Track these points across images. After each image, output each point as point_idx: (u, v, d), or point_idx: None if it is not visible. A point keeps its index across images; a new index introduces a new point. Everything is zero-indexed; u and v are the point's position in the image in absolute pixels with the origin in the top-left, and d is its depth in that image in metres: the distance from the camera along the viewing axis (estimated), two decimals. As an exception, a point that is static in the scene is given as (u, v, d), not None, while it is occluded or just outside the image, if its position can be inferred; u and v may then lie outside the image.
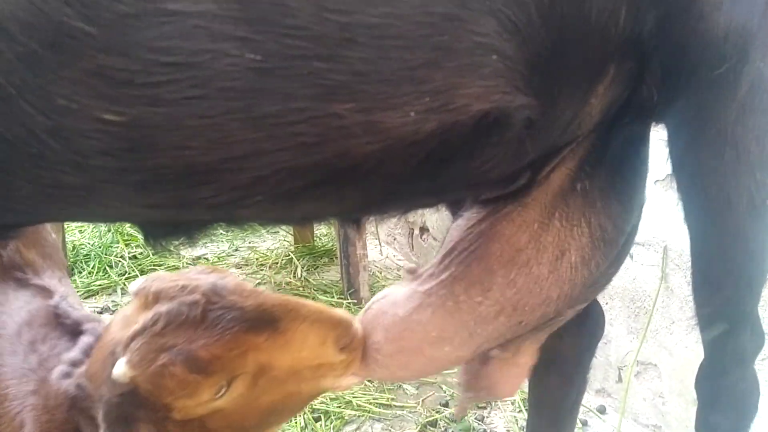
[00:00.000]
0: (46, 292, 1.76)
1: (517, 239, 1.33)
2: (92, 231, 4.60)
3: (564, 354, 1.80)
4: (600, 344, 2.94)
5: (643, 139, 1.38)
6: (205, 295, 1.31)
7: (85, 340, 1.57)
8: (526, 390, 1.95)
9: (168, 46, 0.85)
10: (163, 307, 1.30)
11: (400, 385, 3.18)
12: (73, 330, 1.64)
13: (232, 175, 0.97)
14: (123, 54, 0.84)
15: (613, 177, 1.33)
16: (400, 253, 4.76)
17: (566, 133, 1.21)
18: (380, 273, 4.37)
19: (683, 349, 2.65)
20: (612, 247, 1.38)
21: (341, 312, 1.44)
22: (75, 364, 1.50)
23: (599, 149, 1.29)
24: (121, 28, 0.83)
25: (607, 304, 2.94)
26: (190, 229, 1.19)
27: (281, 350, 1.34)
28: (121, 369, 1.26)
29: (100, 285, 4.08)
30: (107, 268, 4.21)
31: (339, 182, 1.05)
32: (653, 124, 1.30)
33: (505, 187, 1.28)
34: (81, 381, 1.42)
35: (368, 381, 3.17)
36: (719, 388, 1.43)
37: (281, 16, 0.86)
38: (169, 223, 1.18)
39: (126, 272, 4.17)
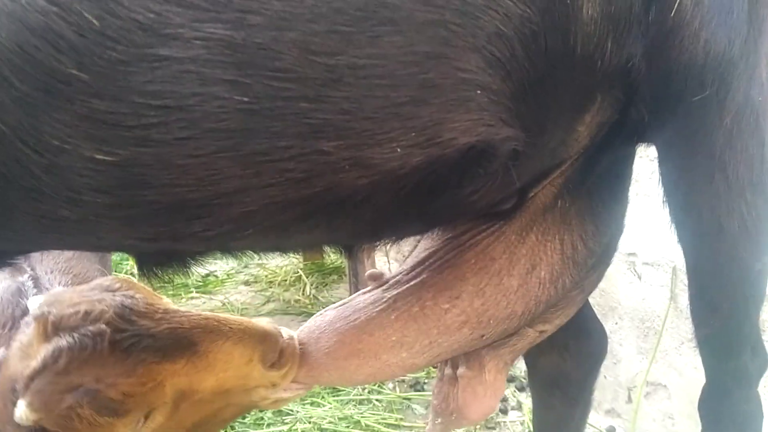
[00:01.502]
0: (21, 272, 1.71)
1: (493, 249, 1.35)
2: (103, 248, 4.63)
3: (567, 375, 1.80)
4: (609, 364, 2.93)
5: (626, 163, 1.39)
6: (111, 322, 1.20)
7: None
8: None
9: (158, 90, 0.87)
10: (63, 341, 1.18)
11: (409, 405, 3.17)
12: (23, 314, 1.55)
13: (223, 209, 1.00)
14: (114, 98, 0.87)
15: (591, 198, 1.35)
16: (383, 271, 4.75)
17: (554, 158, 1.23)
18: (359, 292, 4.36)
19: (693, 369, 2.62)
20: (580, 268, 1.38)
21: (267, 325, 1.36)
22: None
23: (586, 169, 1.30)
24: (112, 74, 0.86)
25: (616, 324, 2.92)
26: (184, 259, 1.20)
27: (203, 373, 1.25)
28: (22, 412, 1.15)
29: (111, 302, 4.10)
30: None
31: (329, 214, 1.07)
32: (640, 146, 1.31)
33: (493, 209, 1.29)
34: None
35: (377, 401, 3.16)
36: (722, 410, 1.42)
37: (268, 60, 0.88)
38: (164, 254, 1.19)
39: (133, 273, 4.20)
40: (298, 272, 4.43)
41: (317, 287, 4.26)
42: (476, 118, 1.00)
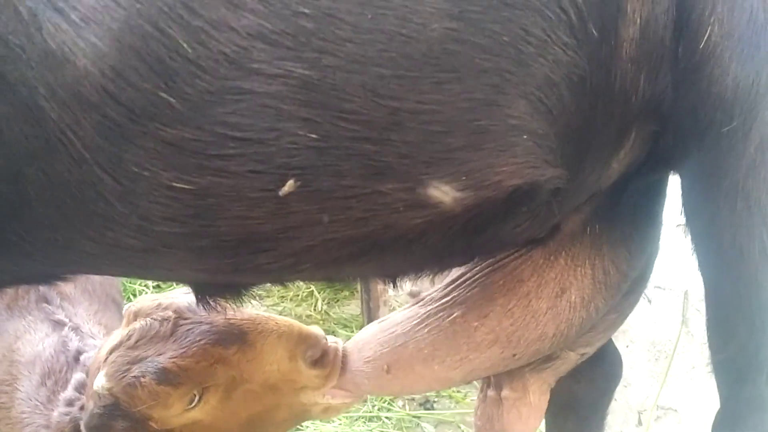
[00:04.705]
0: (61, 325, 1.90)
1: (521, 271, 1.38)
2: (118, 260, 4.66)
3: (581, 398, 1.81)
4: (620, 388, 2.93)
5: (660, 189, 1.41)
6: (177, 311, 1.42)
7: (77, 377, 1.70)
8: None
9: (239, 122, 0.91)
10: (137, 324, 1.41)
11: (418, 424, 3.17)
12: (74, 357, 1.80)
13: (287, 243, 1.04)
14: (198, 127, 0.90)
15: (624, 223, 1.37)
16: (421, 288, 4.76)
17: (589, 191, 1.27)
18: (400, 308, 4.37)
19: (704, 393, 2.63)
20: (613, 292, 1.40)
21: (311, 327, 1.52)
22: (70, 403, 1.63)
23: (614, 196, 1.33)
24: (200, 103, 0.89)
25: (627, 347, 2.92)
26: (239, 290, 1.26)
27: (251, 363, 1.42)
28: (100, 381, 1.37)
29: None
30: (131, 296, 4.26)
31: (381, 251, 1.11)
32: (671, 173, 1.33)
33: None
34: (76, 414, 1.57)
35: (386, 418, 3.17)
36: (736, 437, 1.42)
37: (339, 101, 0.92)
38: (221, 285, 1.24)
39: (149, 301, 4.22)
40: (310, 288, 4.43)
41: (329, 303, 4.25)
42: (522, 161, 1.03)
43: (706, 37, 1.06)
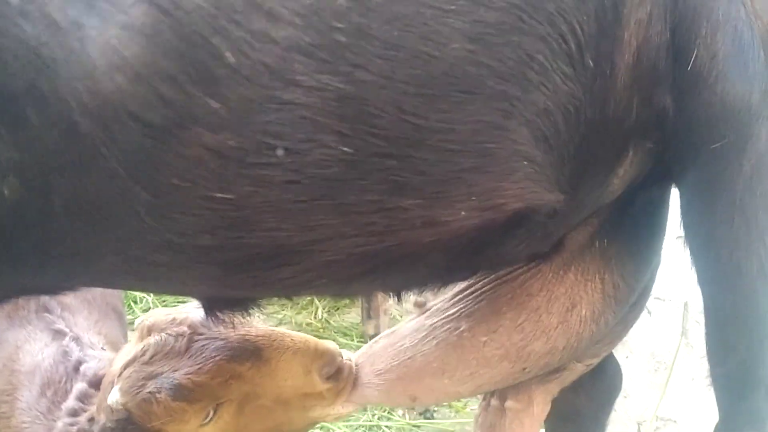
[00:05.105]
0: (62, 334, 1.90)
1: (530, 285, 1.39)
2: (119, 267, 4.65)
3: (580, 410, 1.82)
4: (619, 399, 2.93)
5: (662, 203, 1.43)
6: (192, 327, 1.42)
7: (78, 387, 1.70)
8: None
9: (279, 131, 0.92)
10: (152, 339, 1.41)
11: (421, 435, 3.17)
12: (74, 367, 1.79)
13: (311, 256, 1.05)
14: (240, 134, 0.91)
15: (629, 237, 1.39)
16: (427, 299, 4.75)
17: (591, 208, 1.29)
18: (401, 317, 4.36)
19: (703, 405, 2.63)
20: (621, 305, 1.41)
21: (327, 343, 1.51)
22: (74, 413, 1.62)
23: (620, 210, 1.35)
24: (241, 110, 0.90)
25: (627, 358, 2.93)
26: (250, 304, 1.27)
27: (266, 379, 1.41)
28: (114, 396, 1.37)
29: (124, 320, 4.11)
30: (132, 303, 4.26)
31: (389, 268, 1.14)
32: (673, 187, 1.34)
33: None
34: (84, 426, 1.55)
35: (386, 428, 3.17)
36: (734, 451, 1.42)
37: (369, 116, 0.94)
38: (233, 300, 1.26)
39: (150, 308, 4.19)
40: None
41: (329, 311, 4.24)
42: (522, 186, 1.07)
43: (692, 59, 1.09)
